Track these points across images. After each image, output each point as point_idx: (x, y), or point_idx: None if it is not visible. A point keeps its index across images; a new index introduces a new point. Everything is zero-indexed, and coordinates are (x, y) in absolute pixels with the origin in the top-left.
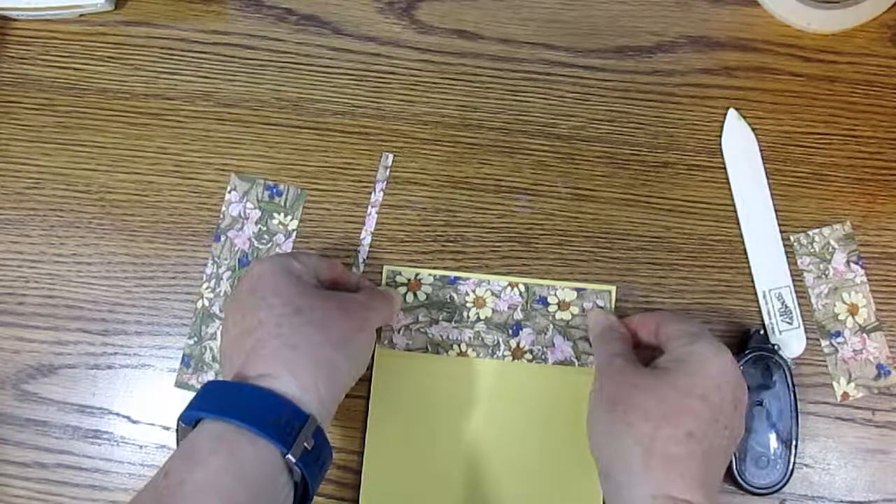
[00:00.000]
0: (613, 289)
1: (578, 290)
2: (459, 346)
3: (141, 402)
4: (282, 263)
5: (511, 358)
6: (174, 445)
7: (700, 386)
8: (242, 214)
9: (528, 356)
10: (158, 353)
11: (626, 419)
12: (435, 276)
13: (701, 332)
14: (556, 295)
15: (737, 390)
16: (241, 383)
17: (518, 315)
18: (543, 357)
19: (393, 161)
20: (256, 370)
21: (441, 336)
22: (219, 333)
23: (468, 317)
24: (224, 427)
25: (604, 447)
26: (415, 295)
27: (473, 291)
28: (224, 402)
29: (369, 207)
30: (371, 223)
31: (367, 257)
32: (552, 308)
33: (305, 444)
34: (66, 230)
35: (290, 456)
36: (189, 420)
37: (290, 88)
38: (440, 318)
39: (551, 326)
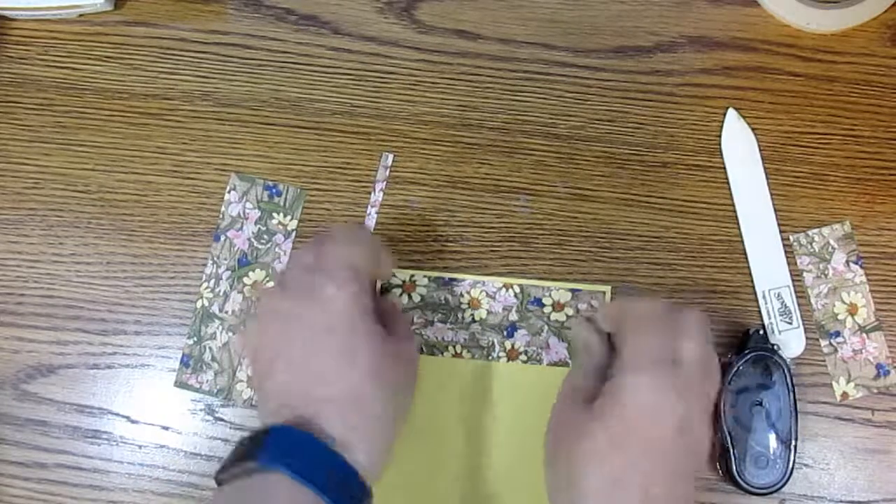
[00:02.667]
0: (608, 289)
1: (573, 290)
2: (455, 347)
3: (140, 402)
4: (361, 303)
5: (506, 359)
6: (174, 445)
7: (638, 430)
8: (242, 214)
9: (523, 357)
10: (158, 352)
11: (577, 485)
12: (430, 277)
13: (632, 336)
14: (550, 296)
15: (678, 409)
16: (329, 452)
17: (513, 316)
18: (538, 358)
19: (392, 161)
20: (333, 429)
21: (436, 337)
22: (218, 333)
23: (463, 318)
24: (300, 491)
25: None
26: (409, 297)
27: (468, 293)
28: (307, 464)
29: (369, 207)
30: (370, 223)
31: None
32: (547, 309)
33: None
34: (65, 230)
35: None
36: (270, 467)
37: (290, 88)
38: (435, 320)
39: (546, 327)
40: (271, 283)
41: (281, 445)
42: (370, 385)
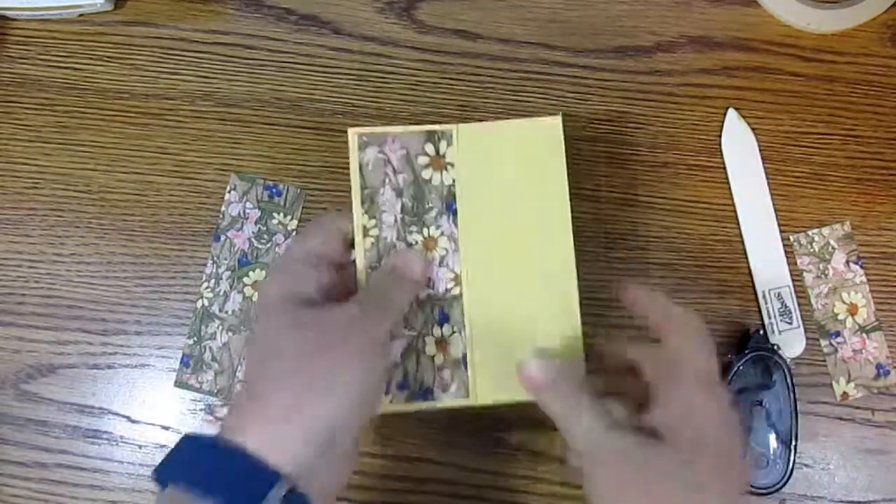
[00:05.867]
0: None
1: None
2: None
3: (140, 402)
4: (281, 283)
5: None
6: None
7: (701, 456)
8: (242, 214)
9: None
10: (158, 352)
11: None
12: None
13: (688, 350)
14: None
15: (729, 427)
16: (210, 444)
17: None
18: None
19: None
20: (229, 421)
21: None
22: (218, 333)
23: None
24: (184, 498)
25: None
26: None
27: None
28: (182, 467)
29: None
30: None
31: None
32: None
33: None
34: (66, 230)
35: None
36: (161, 482)
37: (290, 88)
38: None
39: None
40: None
41: (168, 458)
42: (276, 370)
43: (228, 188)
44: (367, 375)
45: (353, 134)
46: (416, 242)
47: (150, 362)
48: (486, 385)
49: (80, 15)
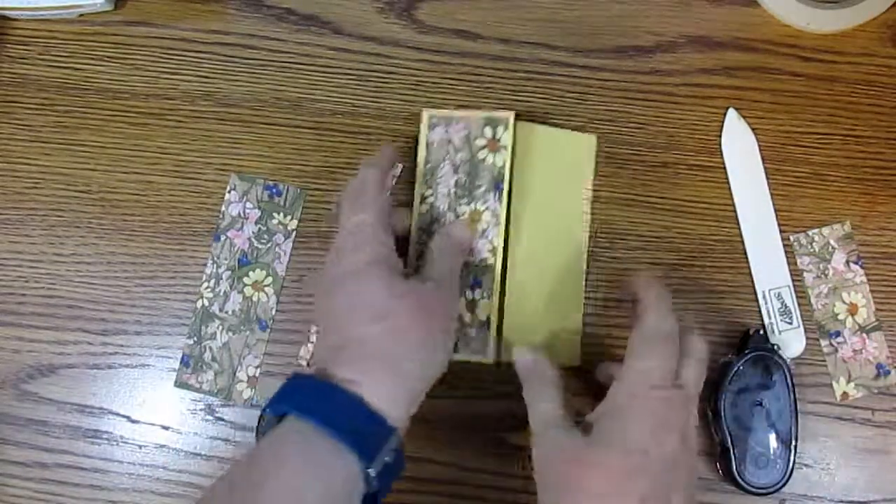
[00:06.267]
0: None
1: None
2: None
3: (141, 402)
4: (376, 251)
5: None
6: (174, 445)
7: (634, 439)
8: (242, 214)
9: None
10: (158, 352)
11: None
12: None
13: (636, 358)
14: None
15: (674, 423)
16: (332, 385)
17: None
18: None
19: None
20: (342, 373)
21: None
22: (218, 333)
23: None
24: (313, 432)
25: None
26: None
27: None
28: (315, 403)
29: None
30: None
31: None
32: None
33: (387, 458)
34: (66, 230)
35: (370, 470)
36: (277, 412)
37: (290, 88)
38: None
39: None
40: None
41: (287, 393)
42: (369, 328)
43: (228, 188)
44: (450, 345)
45: (425, 114)
46: (465, 213)
47: (150, 362)
48: (506, 348)
49: (80, 15)
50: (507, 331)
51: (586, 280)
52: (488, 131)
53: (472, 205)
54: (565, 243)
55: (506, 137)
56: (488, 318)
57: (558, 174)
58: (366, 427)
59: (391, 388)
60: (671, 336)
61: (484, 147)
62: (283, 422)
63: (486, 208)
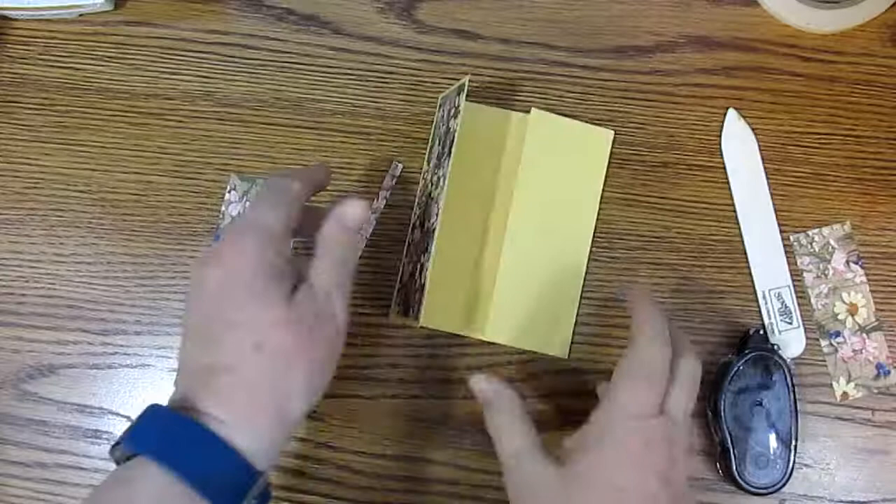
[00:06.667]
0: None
1: None
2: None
3: (141, 402)
4: (259, 255)
5: None
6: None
7: (609, 477)
8: (242, 214)
9: None
10: (158, 352)
11: None
12: None
13: (622, 388)
14: None
15: (654, 458)
16: (193, 424)
17: None
18: None
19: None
20: (209, 407)
21: None
22: None
23: None
24: (166, 477)
25: None
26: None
27: None
28: (170, 446)
29: (370, 213)
30: (368, 229)
31: (361, 257)
32: None
33: (254, 499)
34: (66, 230)
35: None
36: (130, 450)
37: (290, 88)
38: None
39: None
40: None
41: (144, 427)
42: (249, 356)
43: (228, 188)
44: (334, 365)
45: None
46: (438, 181)
47: (150, 362)
48: (493, 327)
49: (80, 15)
50: (495, 310)
51: (586, 276)
52: (460, 100)
53: (440, 171)
54: (570, 235)
55: (461, 101)
56: (423, 285)
57: (571, 165)
58: (228, 475)
59: (264, 428)
60: (659, 366)
61: (454, 116)
62: (136, 457)
63: (443, 174)
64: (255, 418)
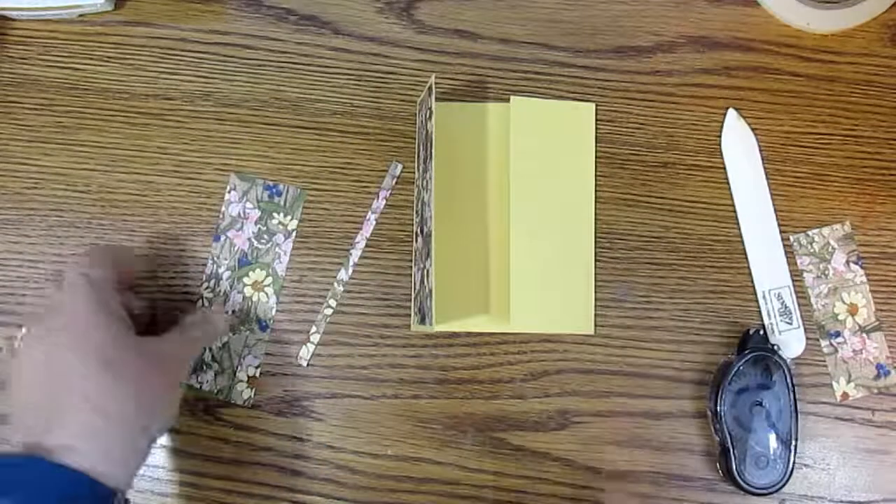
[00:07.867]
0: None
1: None
2: None
3: None
4: (95, 295)
5: None
6: (174, 445)
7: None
8: (242, 214)
9: None
10: None
11: None
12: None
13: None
14: None
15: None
16: (37, 460)
17: None
18: None
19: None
20: (60, 440)
21: None
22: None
23: None
24: None
25: None
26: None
27: None
28: (12, 486)
29: (369, 213)
30: (368, 229)
31: (361, 258)
32: None
33: None
34: (66, 230)
35: None
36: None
37: (290, 88)
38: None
39: None
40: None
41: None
42: (95, 380)
43: (228, 188)
44: (178, 401)
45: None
46: (426, 184)
47: None
48: (517, 319)
49: (80, 15)
50: (515, 299)
51: (596, 247)
52: (432, 101)
53: (427, 174)
54: (573, 211)
55: (432, 101)
56: (431, 289)
57: (560, 144)
58: (80, 497)
59: (119, 449)
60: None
61: (430, 118)
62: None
63: (430, 177)
64: (107, 444)
